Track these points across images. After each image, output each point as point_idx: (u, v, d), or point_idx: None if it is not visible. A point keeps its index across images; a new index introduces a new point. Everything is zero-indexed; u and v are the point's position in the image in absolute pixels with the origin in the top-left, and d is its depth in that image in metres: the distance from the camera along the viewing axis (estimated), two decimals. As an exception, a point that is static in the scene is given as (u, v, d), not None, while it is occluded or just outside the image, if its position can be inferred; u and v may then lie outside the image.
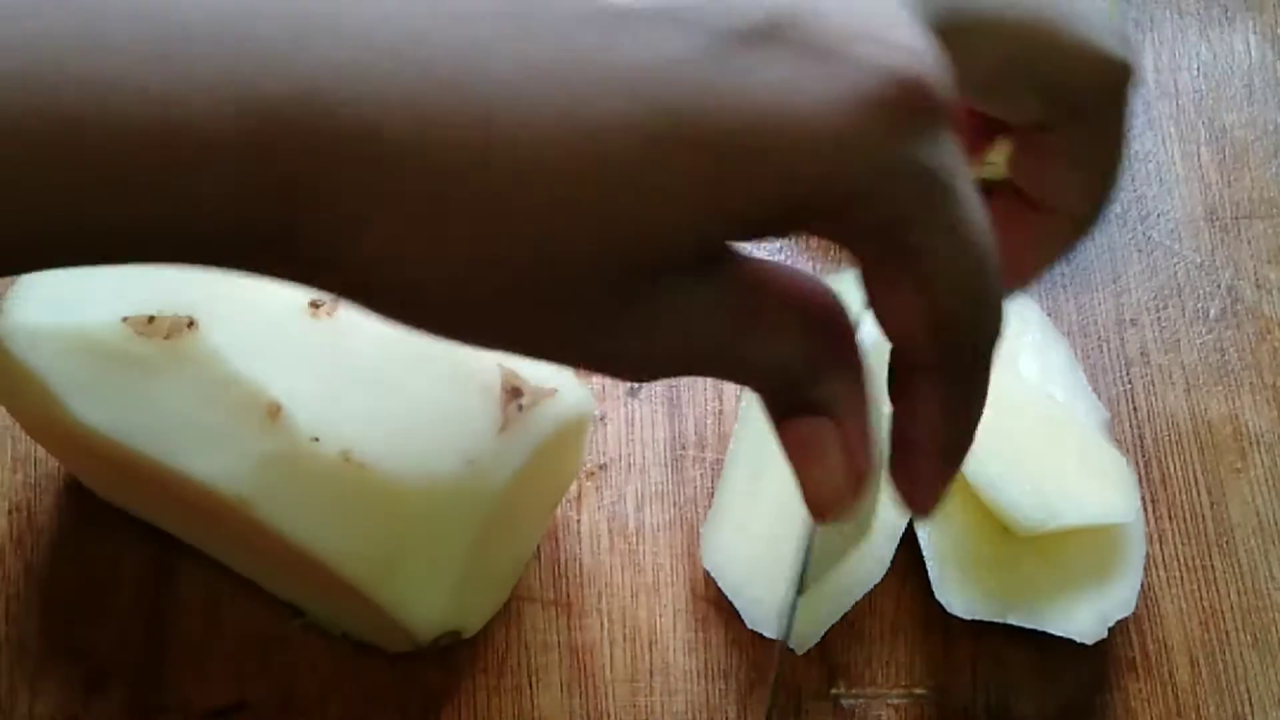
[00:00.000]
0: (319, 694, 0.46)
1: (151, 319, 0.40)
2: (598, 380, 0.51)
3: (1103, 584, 0.47)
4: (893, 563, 0.47)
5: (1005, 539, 0.45)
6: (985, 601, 0.45)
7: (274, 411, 0.39)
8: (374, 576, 0.40)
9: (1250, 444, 0.52)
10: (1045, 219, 0.34)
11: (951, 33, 0.28)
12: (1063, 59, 0.30)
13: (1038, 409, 0.49)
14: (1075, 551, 0.47)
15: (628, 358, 0.28)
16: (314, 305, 0.40)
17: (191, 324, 0.40)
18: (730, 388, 0.52)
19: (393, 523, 0.40)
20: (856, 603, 0.47)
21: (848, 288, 0.53)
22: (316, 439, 0.39)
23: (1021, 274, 0.34)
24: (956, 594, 0.46)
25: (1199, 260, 0.55)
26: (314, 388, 0.40)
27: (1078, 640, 0.45)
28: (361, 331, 0.40)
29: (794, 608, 0.38)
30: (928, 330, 0.29)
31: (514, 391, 0.40)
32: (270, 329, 0.40)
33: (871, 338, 0.46)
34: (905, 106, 0.26)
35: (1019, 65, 0.30)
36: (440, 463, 0.39)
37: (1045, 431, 0.48)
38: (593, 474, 0.50)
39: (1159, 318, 0.54)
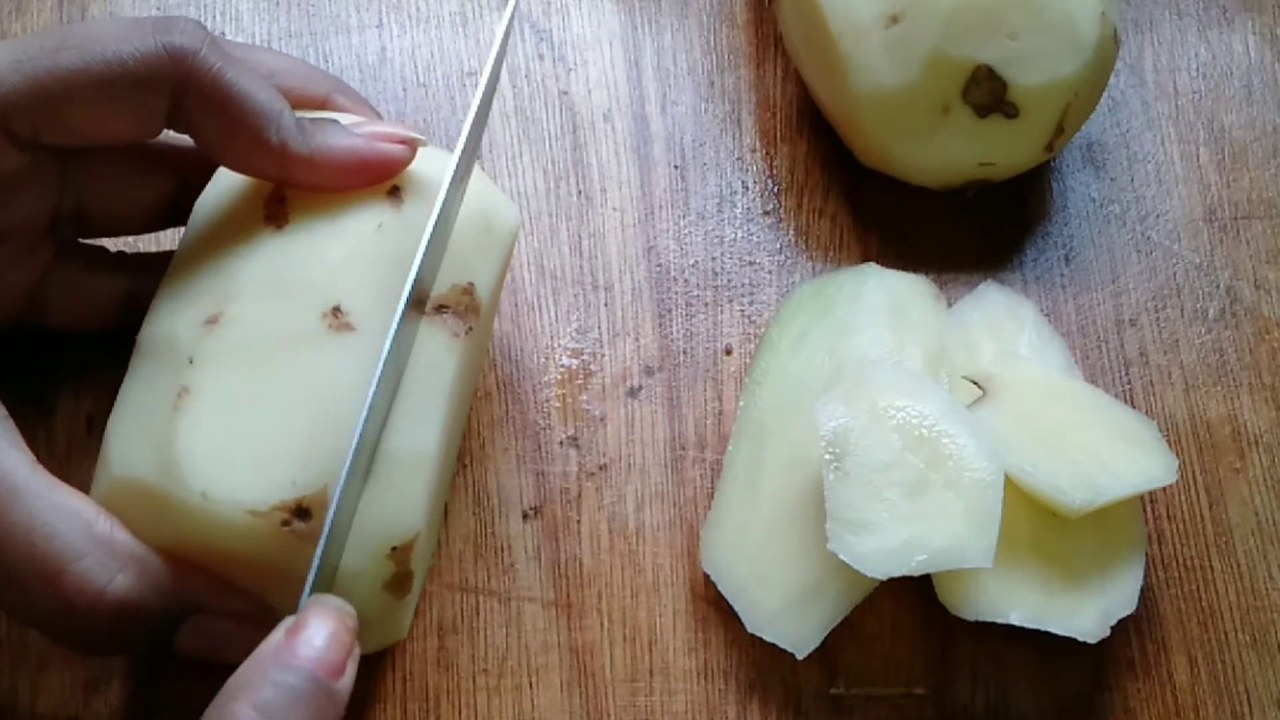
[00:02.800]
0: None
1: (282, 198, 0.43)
2: (599, 379, 0.51)
3: (1104, 582, 0.47)
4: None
5: (1004, 539, 0.45)
6: (986, 601, 0.45)
7: (216, 318, 0.41)
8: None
9: (1249, 444, 0.52)
10: None
11: None
12: None
13: (1059, 390, 0.49)
14: (1075, 550, 0.47)
15: None
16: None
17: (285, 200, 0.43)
18: (729, 389, 0.52)
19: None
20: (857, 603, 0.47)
21: (853, 282, 0.54)
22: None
23: None
24: (957, 594, 0.46)
25: (1198, 261, 0.55)
26: (266, 301, 0.41)
27: (1080, 639, 0.45)
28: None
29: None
30: None
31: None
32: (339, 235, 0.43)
33: (871, 348, 0.46)
34: None
35: None
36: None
37: (1071, 411, 0.49)
38: (593, 474, 0.50)
39: (1158, 318, 0.54)
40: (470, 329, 0.43)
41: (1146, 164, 0.57)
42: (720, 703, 0.47)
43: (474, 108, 0.44)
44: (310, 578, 0.39)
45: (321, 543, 0.39)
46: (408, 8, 0.58)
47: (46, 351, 0.49)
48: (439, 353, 0.43)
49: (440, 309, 0.43)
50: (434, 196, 0.43)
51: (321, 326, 0.41)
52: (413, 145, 0.44)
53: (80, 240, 0.48)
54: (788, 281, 0.54)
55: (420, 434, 0.42)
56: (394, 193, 0.43)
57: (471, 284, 0.44)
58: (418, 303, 0.42)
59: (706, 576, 0.48)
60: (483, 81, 0.44)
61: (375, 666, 0.47)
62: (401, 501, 0.41)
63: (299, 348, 0.40)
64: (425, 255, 0.42)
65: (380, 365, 0.40)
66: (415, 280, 0.42)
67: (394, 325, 0.41)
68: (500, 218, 0.46)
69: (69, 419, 0.49)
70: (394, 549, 0.41)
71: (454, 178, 0.43)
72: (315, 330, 0.41)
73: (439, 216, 0.42)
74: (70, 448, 0.49)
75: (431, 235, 0.42)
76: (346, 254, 0.42)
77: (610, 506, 0.50)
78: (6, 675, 0.46)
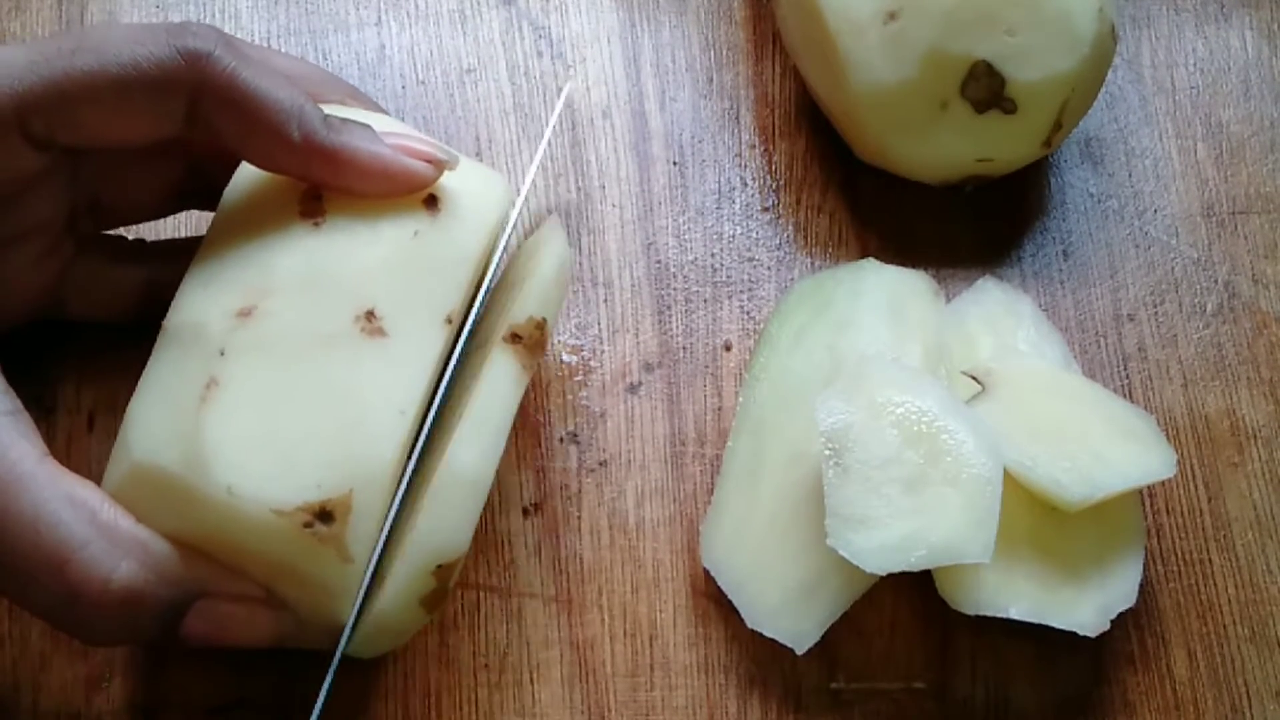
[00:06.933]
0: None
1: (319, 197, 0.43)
2: (598, 375, 0.52)
3: (1103, 576, 0.47)
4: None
5: (1004, 534, 0.45)
6: (986, 596, 0.46)
7: (249, 310, 0.41)
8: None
9: (1247, 438, 0.52)
10: None
11: None
12: None
13: (1057, 385, 0.49)
14: (1074, 545, 0.47)
15: None
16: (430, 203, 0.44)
17: (321, 198, 0.43)
18: (729, 384, 0.52)
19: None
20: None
21: (852, 278, 0.54)
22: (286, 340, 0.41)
23: None
24: (957, 589, 0.46)
25: (1196, 255, 0.55)
26: (300, 298, 0.41)
27: (1080, 633, 0.45)
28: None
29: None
30: None
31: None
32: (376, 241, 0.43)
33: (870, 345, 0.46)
34: None
35: None
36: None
37: (1070, 406, 0.49)
38: (593, 470, 0.50)
39: (1156, 313, 0.54)
40: (535, 367, 0.44)
41: (1144, 159, 0.57)
42: (720, 698, 0.47)
43: (534, 164, 0.48)
44: (349, 626, 0.41)
45: (364, 585, 0.40)
46: (406, 5, 0.58)
47: (48, 348, 0.50)
48: (508, 382, 0.43)
49: (515, 338, 0.43)
50: (469, 210, 0.44)
51: (354, 329, 0.41)
52: (440, 166, 0.44)
53: (98, 231, 0.48)
54: (787, 277, 0.54)
55: (484, 459, 0.42)
56: (431, 202, 0.44)
57: (545, 320, 0.44)
58: (449, 320, 0.43)
59: (706, 572, 0.48)
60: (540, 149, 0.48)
61: (377, 663, 0.47)
62: (456, 522, 0.41)
63: (331, 349, 0.40)
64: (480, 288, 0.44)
65: (437, 397, 0.42)
66: (474, 309, 0.44)
67: (453, 359, 0.42)
68: (569, 268, 0.47)
69: (70, 416, 0.49)
70: (439, 567, 0.41)
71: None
72: (348, 332, 0.41)
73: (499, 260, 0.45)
74: (71, 444, 0.49)
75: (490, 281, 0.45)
76: (382, 259, 0.42)
77: (610, 502, 0.50)
78: (9, 672, 0.46)
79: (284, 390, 0.40)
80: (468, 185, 0.45)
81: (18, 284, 0.45)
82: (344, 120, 0.43)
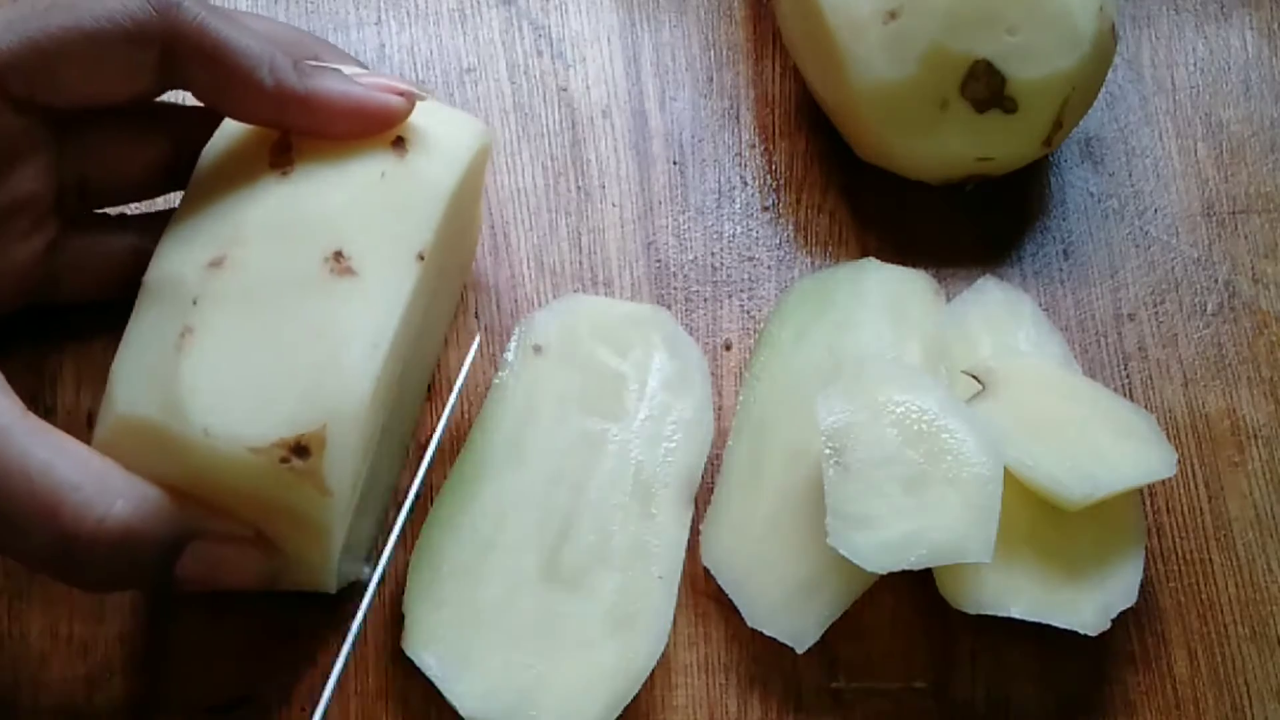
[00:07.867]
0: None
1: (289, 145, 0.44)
2: (597, 376, 0.51)
3: (1104, 575, 0.47)
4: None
5: (1004, 533, 0.45)
6: (987, 595, 0.46)
7: (221, 260, 0.41)
8: None
9: (1248, 438, 0.52)
10: None
11: None
12: None
13: (1057, 385, 0.49)
14: (1075, 544, 0.47)
15: None
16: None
17: (290, 148, 0.44)
18: (729, 384, 0.52)
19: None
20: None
21: (852, 277, 0.53)
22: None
23: None
24: (958, 588, 0.46)
25: (1196, 255, 0.55)
26: (269, 244, 0.42)
27: (1081, 632, 0.45)
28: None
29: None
30: None
31: None
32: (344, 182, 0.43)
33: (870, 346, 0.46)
34: None
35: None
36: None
37: (1070, 405, 0.49)
38: (593, 469, 0.50)
39: (1156, 312, 0.54)
40: None
41: (1144, 159, 0.57)
42: (721, 696, 0.47)
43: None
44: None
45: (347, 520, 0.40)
46: (406, 4, 0.58)
47: (47, 348, 0.50)
48: None
49: None
50: (438, 149, 0.45)
51: (324, 270, 0.41)
52: (411, 99, 0.45)
53: (88, 210, 0.48)
54: (787, 277, 0.54)
55: None
56: (398, 143, 0.44)
57: None
58: (420, 257, 0.43)
59: (707, 571, 0.48)
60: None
61: (377, 662, 0.47)
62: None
63: (302, 290, 0.41)
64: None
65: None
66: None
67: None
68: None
69: (69, 415, 0.49)
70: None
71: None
72: (317, 274, 0.41)
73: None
74: (71, 444, 0.49)
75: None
76: (349, 200, 0.43)
77: (610, 502, 0.50)
78: (9, 670, 0.46)
79: (257, 333, 0.41)
80: (438, 126, 0.46)
81: (7, 262, 0.45)
82: (314, 65, 0.44)
